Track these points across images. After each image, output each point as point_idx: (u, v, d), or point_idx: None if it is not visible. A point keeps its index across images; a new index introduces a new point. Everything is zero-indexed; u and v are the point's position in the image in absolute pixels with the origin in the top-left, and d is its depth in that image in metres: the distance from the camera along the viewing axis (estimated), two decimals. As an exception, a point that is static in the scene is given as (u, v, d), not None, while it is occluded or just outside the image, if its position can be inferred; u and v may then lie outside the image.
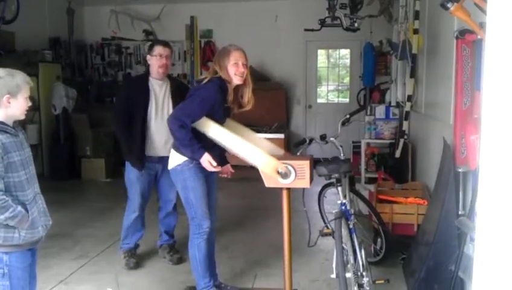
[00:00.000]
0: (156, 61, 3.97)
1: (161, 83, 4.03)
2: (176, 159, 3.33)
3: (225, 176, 3.63)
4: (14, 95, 2.40)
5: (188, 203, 3.35)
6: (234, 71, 3.23)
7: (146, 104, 3.94)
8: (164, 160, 4.02)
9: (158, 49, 3.98)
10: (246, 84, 3.36)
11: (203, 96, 3.20)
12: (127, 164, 4.08)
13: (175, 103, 3.95)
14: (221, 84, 3.23)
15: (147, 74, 4.10)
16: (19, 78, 2.43)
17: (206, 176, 3.36)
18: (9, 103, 2.40)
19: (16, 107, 2.44)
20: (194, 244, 3.40)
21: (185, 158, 3.28)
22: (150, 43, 4.34)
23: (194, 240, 3.39)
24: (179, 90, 4.07)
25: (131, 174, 4.07)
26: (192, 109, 3.17)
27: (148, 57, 4.06)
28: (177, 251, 4.32)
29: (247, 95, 3.39)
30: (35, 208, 2.51)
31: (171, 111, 3.95)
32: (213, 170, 3.27)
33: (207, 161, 3.19)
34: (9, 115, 2.44)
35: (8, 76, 2.39)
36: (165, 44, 4.11)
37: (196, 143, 3.17)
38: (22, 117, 2.51)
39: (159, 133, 3.97)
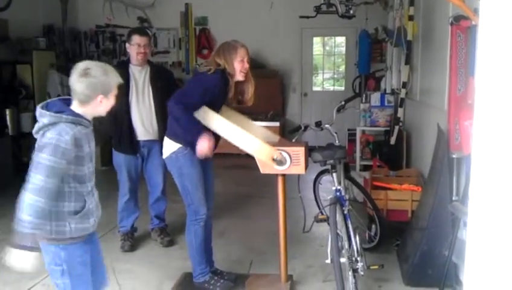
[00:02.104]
0: (134, 49, 4.06)
1: (140, 69, 4.12)
2: (170, 147, 3.33)
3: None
4: (107, 95, 2.35)
5: (184, 190, 3.35)
6: (240, 68, 3.25)
7: (127, 90, 4.02)
8: (149, 144, 4.13)
9: (135, 39, 4.07)
10: (247, 81, 3.37)
11: (207, 86, 3.20)
12: (113, 149, 4.21)
13: (155, 89, 4.09)
14: (224, 77, 3.24)
15: (127, 61, 4.19)
16: (112, 78, 2.37)
17: (202, 162, 3.37)
18: (101, 102, 2.34)
19: (106, 106, 2.38)
20: (190, 231, 3.41)
21: (179, 145, 3.28)
22: (128, 31, 4.42)
23: (191, 226, 3.40)
24: (159, 75, 4.19)
25: (118, 159, 4.20)
26: (194, 94, 3.17)
27: (127, 45, 4.14)
28: (168, 234, 4.43)
29: (250, 92, 3.40)
30: (92, 199, 2.42)
31: (151, 97, 4.08)
32: (205, 156, 3.24)
33: (205, 145, 3.13)
34: (94, 113, 2.38)
35: (103, 76, 2.31)
36: (142, 33, 4.21)
37: (198, 125, 3.16)
38: (104, 114, 2.44)
39: (140, 118, 4.08)
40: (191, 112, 3.14)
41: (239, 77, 3.28)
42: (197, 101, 3.16)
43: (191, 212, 3.39)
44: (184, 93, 3.25)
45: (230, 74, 3.25)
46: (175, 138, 3.29)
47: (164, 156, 3.40)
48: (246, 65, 3.28)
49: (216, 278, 3.49)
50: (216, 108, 3.26)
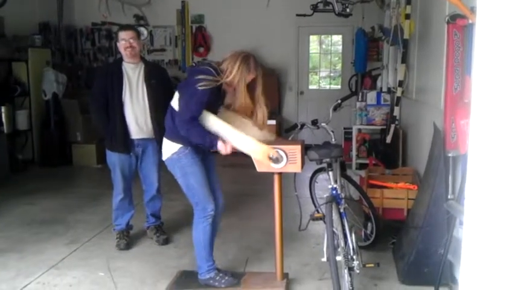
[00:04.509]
0: (122, 46, 4.05)
1: (134, 66, 4.10)
2: (170, 148, 3.31)
3: None
4: None
5: (190, 189, 3.33)
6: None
7: (120, 88, 4.01)
8: (143, 142, 4.12)
9: (121, 35, 4.08)
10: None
11: (203, 96, 3.13)
12: (106, 148, 4.19)
13: (149, 87, 4.05)
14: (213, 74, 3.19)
15: (121, 58, 4.17)
16: None
17: (203, 158, 3.37)
18: None
19: None
20: (199, 229, 3.38)
21: (179, 145, 3.26)
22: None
23: (199, 224, 3.37)
24: (153, 73, 4.15)
25: (111, 158, 4.17)
26: (193, 109, 3.13)
27: (118, 44, 4.15)
28: (164, 232, 4.42)
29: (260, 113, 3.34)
30: None
31: (145, 94, 4.06)
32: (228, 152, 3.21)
33: (223, 146, 3.16)
34: None
35: None
36: (126, 28, 4.22)
37: (208, 133, 3.15)
38: None
39: (134, 116, 4.06)
40: (196, 123, 3.13)
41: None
42: (198, 112, 3.14)
43: (199, 210, 3.36)
44: (185, 108, 3.18)
45: (227, 83, 3.20)
46: (175, 138, 3.27)
47: (164, 157, 3.37)
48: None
49: (221, 274, 3.48)
50: (213, 110, 3.25)
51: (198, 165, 3.32)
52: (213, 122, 3.19)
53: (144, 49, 9.12)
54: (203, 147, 3.25)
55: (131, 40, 4.03)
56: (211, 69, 3.17)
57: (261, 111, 3.34)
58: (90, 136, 7.66)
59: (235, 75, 3.15)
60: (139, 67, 4.11)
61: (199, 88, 3.09)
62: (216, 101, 3.25)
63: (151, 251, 4.20)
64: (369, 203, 4.00)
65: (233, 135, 3.18)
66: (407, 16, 5.10)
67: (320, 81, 9.83)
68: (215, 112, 3.25)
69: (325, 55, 9.75)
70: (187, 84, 3.21)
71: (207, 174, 3.38)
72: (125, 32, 4.08)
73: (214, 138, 3.15)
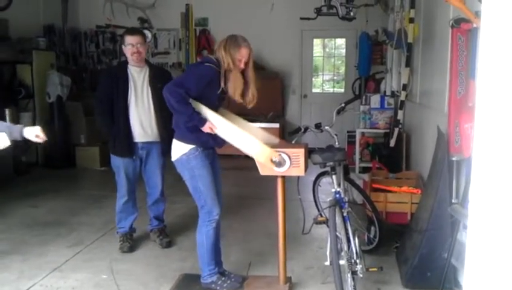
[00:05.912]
0: (128, 50, 4.02)
1: (139, 69, 4.09)
2: (180, 149, 3.31)
3: None
4: None
5: (197, 191, 3.34)
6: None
7: (126, 91, 4.00)
8: (147, 146, 4.11)
9: (127, 39, 4.04)
10: (248, 82, 3.34)
11: (199, 73, 3.23)
12: (110, 152, 4.19)
13: (154, 90, 4.02)
14: (216, 65, 3.24)
15: (125, 61, 4.15)
16: None
17: (211, 162, 3.37)
18: None
19: None
20: (202, 232, 3.39)
21: (190, 146, 3.27)
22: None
23: (203, 227, 3.38)
24: (158, 76, 4.12)
25: (115, 161, 4.17)
26: (188, 82, 3.19)
27: (123, 47, 4.11)
28: (167, 235, 4.42)
29: (250, 94, 3.35)
30: None
31: (150, 98, 4.05)
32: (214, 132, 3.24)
33: (208, 128, 3.20)
34: None
35: None
36: (134, 32, 4.16)
37: (197, 113, 3.17)
38: None
39: (139, 119, 4.05)
40: (186, 100, 3.13)
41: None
42: (192, 88, 3.15)
43: (204, 213, 3.37)
44: (178, 82, 3.22)
45: (226, 68, 3.23)
46: (185, 139, 3.28)
47: (174, 158, 3.37)
48: (242, 66, 3.27)
49: (223, 278, 3.48)
50: (213, 101, 3.26)
51: (207, 168, 3.32)
52: (218, 121, 3.19)
53: (148, 52, 9.15)
54: (188, 122, 3.22)
55: (139, 46, 4.00)
56: (213, 59, 3.26)
57: (251, 90, 3.35)
58: (94, 138, 7.67)
59: (227, 55, 3.21)
60: (144, 70, 4.11)
61: (204, 65, 3.21)
62: (216, 87, 3.24)
63: (155, 254, 4.20)
64: (373, 207, 3.99)
65: (238, 135, 3.19)
66: (411, 20, 5.09)
67: (324, 85, 9.82)
68: (215, 110, 3.26)
69: (329, 59, 9.75)
70: (189, 67, 3.27)
71: (214, 177, 3.38)
72: (132, 37, 4.02)
73: (199, 119, 3.17)
